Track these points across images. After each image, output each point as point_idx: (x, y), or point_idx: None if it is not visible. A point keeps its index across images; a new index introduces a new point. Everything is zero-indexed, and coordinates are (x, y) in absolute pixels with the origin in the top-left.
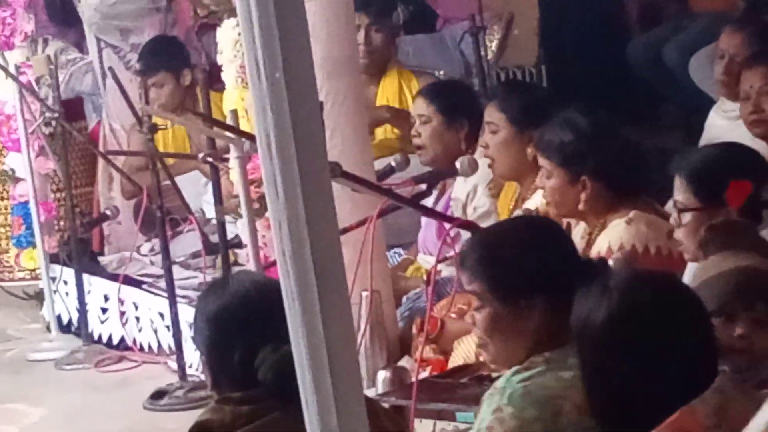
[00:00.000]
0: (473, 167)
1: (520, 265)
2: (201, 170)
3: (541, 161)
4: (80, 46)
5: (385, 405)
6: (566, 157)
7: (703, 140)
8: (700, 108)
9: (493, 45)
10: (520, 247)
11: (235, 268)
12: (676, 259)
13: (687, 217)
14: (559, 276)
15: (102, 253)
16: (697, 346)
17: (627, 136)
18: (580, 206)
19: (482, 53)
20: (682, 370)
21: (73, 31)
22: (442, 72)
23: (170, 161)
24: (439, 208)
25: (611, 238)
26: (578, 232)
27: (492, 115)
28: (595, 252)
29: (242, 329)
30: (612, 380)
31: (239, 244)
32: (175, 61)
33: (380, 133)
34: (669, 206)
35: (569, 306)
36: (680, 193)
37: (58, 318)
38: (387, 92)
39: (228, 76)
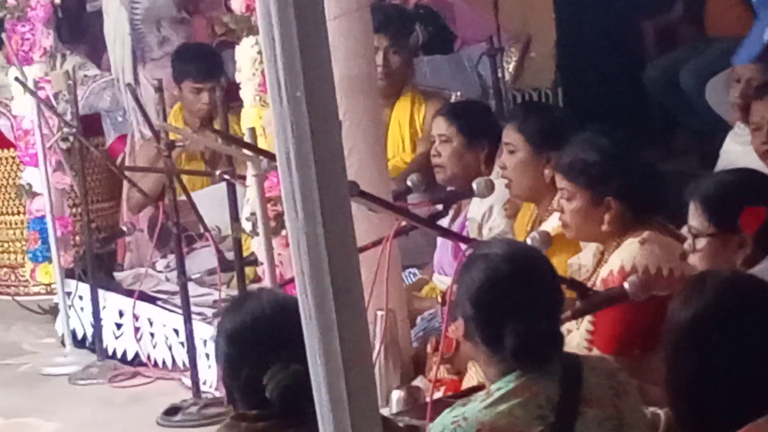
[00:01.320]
0: (489, 188)
1: None
2: None
3: (562, 183)
4: (95, 60)
5: (400, 424)
6: (591, 178)
7: (719, 165)
8: (715, 132)
9: (511, 67)
10: None
11: (252, 285)
12: None
13: (701, 242)
14: None
15: (122, 266)
16: None
17: (644, 158)
18: (604, 227)
19: (499, 75)
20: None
21: (84, 46)
22: (459, 93)
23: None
24: (454, 228)
25: (624, 258)
26: (590, 250)
27: (510, 135)
28: (606, 271)
29: (254, 347)
30: (695, 380)
31: (254, 262)
32: (220, 70)
33: (392, 156)
34: (683, 231)
35: None
36: (695, 218)
37: (73, 333)
38: (399, 116)
39: (246, 94)
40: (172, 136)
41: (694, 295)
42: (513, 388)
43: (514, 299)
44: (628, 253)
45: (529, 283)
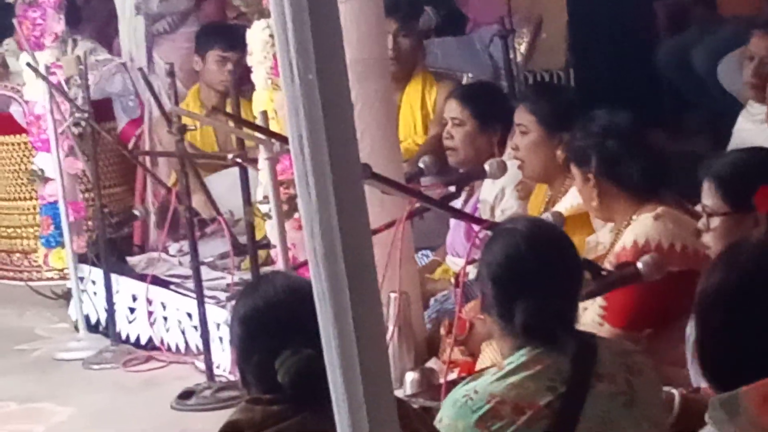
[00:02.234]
0: (502, 170)
1: None
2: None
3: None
4: (105, 45)
5: (414, 406)
6: (576, 155)
7: (732, 144)
8: (728, 112)
9: (522, 48)
10: None
11: (264, 268)
12: (702, 258)
13: (715, 221)
14: None
15: (143, 248)
16: None
17: (647, 136)
18: (594, 203)
19: (511, 56)
20: None
21: (94, 31)
22: (470, 75)
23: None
24: (467, 209)
25: (637, 233)
26: (607, 228)
27: (522, 117)
28: (620, 246)
29: (267, 331)
30: (728, 342)
31: (267, 245)
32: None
33: (403, 139)
34: (697, 208)
35: None
36: (709, 197)
37: (86, 318)
38: (411, 98)
39: (258, 77)
40: (184, 120)
41: (732, 259)
42: (524, 361)
43: (529, 275)
44: (642, 228)
45: (545, 261)
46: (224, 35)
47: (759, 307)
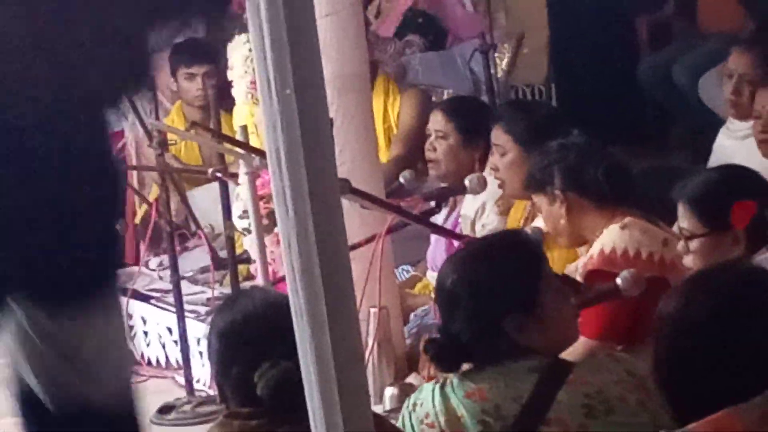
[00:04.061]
0: (482, 185)
1: None
2: None
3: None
4: None
5: (393, 422)
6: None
7: (713, 160)
8: (709, 128)
9: (503, 63)
10: None
11: (246, 283)
12: (669, 266)
13: (695, 243)
14: None
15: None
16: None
17: (606, 148)
18: (562, 221)
19: (492, 71)
20: (750, 366)
21: None
22: (450, 90)
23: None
24: (448, 224)
25: (604, 242)
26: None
27: (499, 137)
28: (588, 256)
29: (245, 345)
30: (683, 370)
31: (247, 260)
32: (211, 55)
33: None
34: (675, 229)
35: None
36: (685, 220)
37: None
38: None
39: (238, 92)
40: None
41: (696, 290)
42: (468, 384)
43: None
44: (608, 237)
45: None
46: (186, 52)
47: (715, 337)
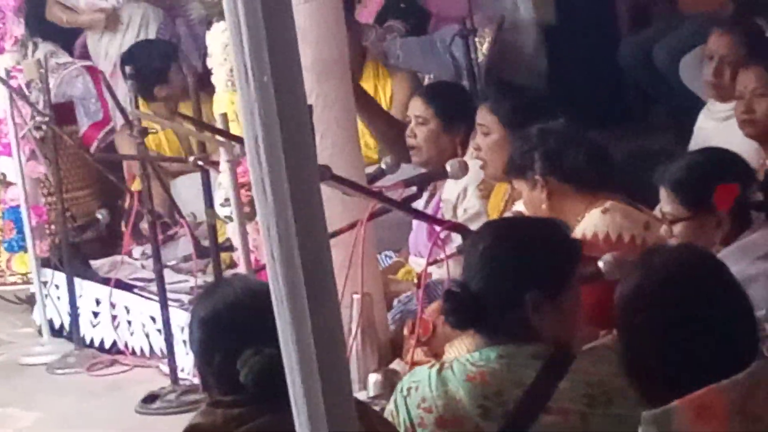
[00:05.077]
0: (464, 170)
1: None
2: None
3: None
4: (68, 48)
5: (376, 408)
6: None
7: (693, 142)
8: (690, 109)
9: (484, 47)
10: None
11: (229, 272)
12: None
13: (678, 227)
14: None
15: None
16: (734, 323)
17: (585, 132)
18: (544, 206)
19: (473, 56)
20: (721, 346)
21: (51, 29)
22: (432, 75)
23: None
24: (429, 209)
25: (585, 226)
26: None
27: (484, 117)
28: None
29: (227, 332)
30: (651, 353)
31: (230, 248)
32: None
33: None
34: (657, 211)
35: None
36: (668, 204)
37: (50, 322)
38: None
39: (218, 79)
40: (146, 124)
41: (642, 268)
42: (469, 368)
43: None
44: (590, 222)
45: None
46: (144, 80)
47: (677, 313)
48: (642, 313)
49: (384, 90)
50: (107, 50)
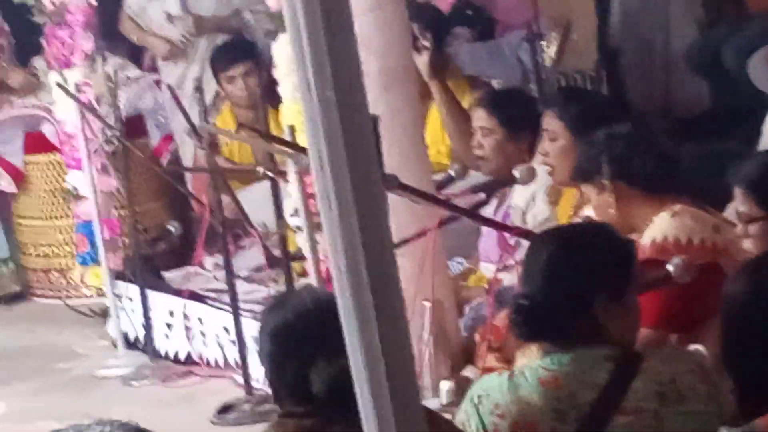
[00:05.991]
0: (531, 176)
1: None
2: None
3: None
4: (136, 60)
5: (449, 416)
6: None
7: (762, 143)
8: (760, 109)
9: (552, 51)
10: None
11: (300, 281)
12: (721, 251)
13: (754, 227)
14: None
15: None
16: None
17: (652, 135)
18: (611, 211)
19: (540, 60)
20: None
21: (126, 44)
22: (499, 80)
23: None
24: (498, 216)
25: (654, 231)
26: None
27: (550, 123)
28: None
29: (299, 344)
30: (751, 353)
31: (302, 257)
32: (247, 53)
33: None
34: (728, 212)
35: None
36: (742, 204)
37: (125, 335)
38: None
39: (284, 90)
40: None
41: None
42: (542, 373)
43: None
44: (659, 226)
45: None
46: (224, 52)
47: None
48: (755, 318)
49: (463, 97)
50: (167, 75)
